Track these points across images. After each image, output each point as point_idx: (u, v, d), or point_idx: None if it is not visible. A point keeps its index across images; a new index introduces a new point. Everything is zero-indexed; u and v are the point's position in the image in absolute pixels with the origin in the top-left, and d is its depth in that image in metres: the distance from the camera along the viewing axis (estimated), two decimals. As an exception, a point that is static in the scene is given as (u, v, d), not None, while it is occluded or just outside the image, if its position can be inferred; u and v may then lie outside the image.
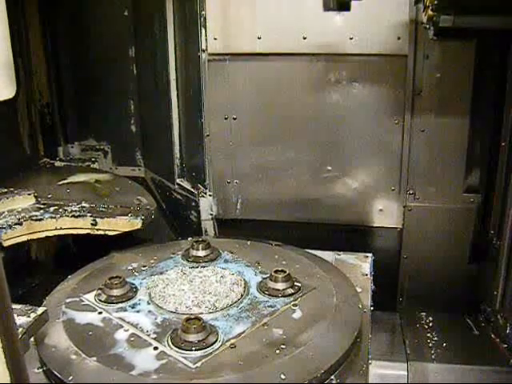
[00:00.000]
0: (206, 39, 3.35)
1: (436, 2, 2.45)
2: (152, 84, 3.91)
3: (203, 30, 3.33)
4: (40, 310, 2.39)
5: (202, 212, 3.72)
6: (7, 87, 2.76)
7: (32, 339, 2.29)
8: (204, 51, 3.38)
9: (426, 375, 2.79)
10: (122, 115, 4.15)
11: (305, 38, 3.24)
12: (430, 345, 3.02)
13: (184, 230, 3.94)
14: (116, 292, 2.57)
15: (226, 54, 3.37)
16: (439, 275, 3.46)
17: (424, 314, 3.36)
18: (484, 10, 2.47)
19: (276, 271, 2.64)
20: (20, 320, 2.31)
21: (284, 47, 3.29)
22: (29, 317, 2.33)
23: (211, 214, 3.70)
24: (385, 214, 3.47)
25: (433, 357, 2.91)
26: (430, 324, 3.25)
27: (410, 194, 3.38)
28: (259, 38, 3.29)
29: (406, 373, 2.78)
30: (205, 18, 3.31)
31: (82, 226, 3.09)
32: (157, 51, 3.75)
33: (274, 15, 3.24)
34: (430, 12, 2.49)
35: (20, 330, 2.24)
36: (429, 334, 3.13)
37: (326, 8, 2.64)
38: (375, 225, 3.51)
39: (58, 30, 4.04)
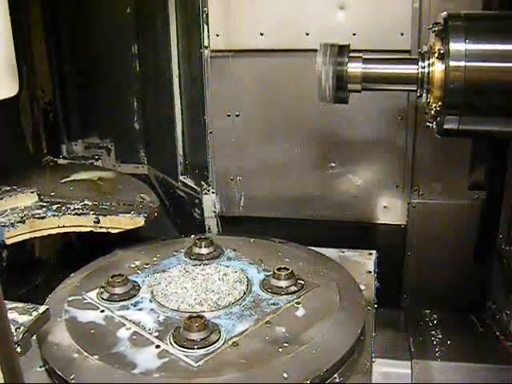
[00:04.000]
0: (209, 36, 3.33)
1: (440, 104, 2.26)
2: (155, 81, 3.90)
3: (205, 27, 3.32)
4: (42, 308, 2.39)
5: (206, 209, 3.71)
6: (10, 85, 2.76)
7: (34, 337, 2.29)
8: (206, 48, 3.36)
9: (430, 373, 2.77)
10: (125, 112, 4.13)
11: (307, 34, 3.21)
12: (435, 342, 3.01)
13: (187, 227, 3.93)
14: (118, 290, 2.58)
15: (229, 51, 3.35)
16: (444, 272, 3.43)
17: (428, 311, 3.34)
18: (495, 111, 2.28)
19: (279, 269, 2.64)
20: (22, 318, 2.31)
21: (287, 43, 3.26)
22: (30, 315, 2.33)
23: (214, 212, 3.69)
24: (389, 210, 3.44)
25: (437, 355, 2.89)
26: (435, 321, 3.24)
27: (414, 190, 3.36)
28: (262, 35, 3.26)
29: (409, 371, 2.77)
30: (207, 15, 3.29)
31: (84, 223, 3.09)
32: (159, 48, 3.74)
33: (276, 11, 3.22)
34: (432, 113, 2.32)
35: (21, 328, 2.24)
36: (433, 332, 3.11)
37: (321, 100, 2.55)
38: (379, 222, 3.48)
39: (60, 27, 4.03)
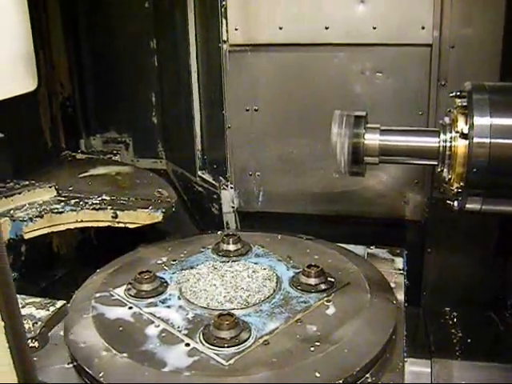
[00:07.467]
0: (227, 30, 3.32)
1: (462, 184, 2.14)
2: (173, 76, 3.89)
3: (224, 21, 3.30)
4: (59, 303, 2.40)
5: (224, 204, 3.70)
6: (29, 80, 2.77)
7: (62, 333, 2.29)
8: (225, 42, 3.35)
9: (449, 372, 2.73)
10: (143, 107, 4.14)
11: (327, 28, 3.19)
12: (455, 341, 2.97)
13: (205, 222, 3.93)
14: (146, 287, 2.53)
15: (247, 45, 3.33)
16: (464, 269, 3.39)
17: (448, 309, 3.30)
18: None
19: (309, 266, 2.59)
20: (39, 313, 2.32)
21: (306, 37, 3.24)
22: (48, 310, 2.34)
23: (233, 207, 3.68)
24: (409, 207, 3.41)
25: (457, 353, 2.86)
26: (455, 319, 3.20)
27: (434, 186, 3.31)
28: (280, 29, 3.24)
29: (429, 369, 2.73)
30: (225, 9, 3.27)
31: (102, 218, 3.09)
32: (178, 43, 3.72)
33: (295, 5, 3.19)
34: (454, 191, 2.20)
35: (39, 323, 2.26)
36: (453, 330, 3.08)
37: (336, 172, 2.45)
38: (399, 218, 3.44)
39: (78, 22, 4.03)
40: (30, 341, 2.19)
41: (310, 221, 3.53)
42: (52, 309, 2.36)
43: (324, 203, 3.51)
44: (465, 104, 2.16)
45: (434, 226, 3.39)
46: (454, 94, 2.24)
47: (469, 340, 2.98)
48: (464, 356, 2.84)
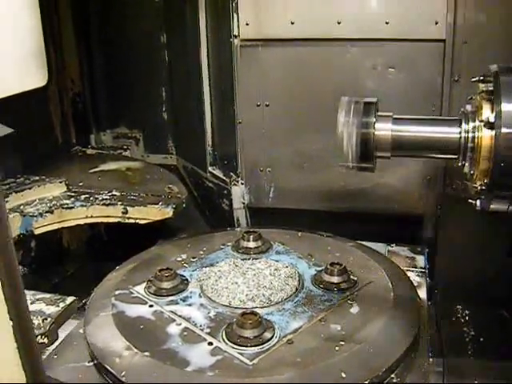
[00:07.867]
0: (238, 25, 3.29)
1: (486, 181, 1.89)
2: (184, 71, 3.87)
3: (235, 16, 3.28)
4: (69, 299, 2.40)
5: (234, 200, 3.68)
6: (39, 75, 2.75)
7: (81, 331, 2.27)
8: (236, 37, 3.32)
9: (462, 371, 2.71)
10: (153, 103, 4.13)
11: (339, 23, 3.15)
12: (467, 339, 2.94)
13: (216, 218, 3.91)
14: (166, 284, 2.49)
15: (259, 40, 3.31)
16: (476, 267, 3.35)
17: (460, 307, 3.27)
18: None
19: (331, 264, 2.55)
20: (49, 310, 2.32)
21: (318, 32, 3.21)
22: (57, 306, 2.34)
23: (243, 203, 3.66)
24: (420, 203, 3.37)
25: (469, 352, 2.82)
26: (467, 317, 3.17)
27: (446, 183, 3.28)
28: (292, 23, 3.21)
29: (441, 368, 2.71)
30: (236, 4, 3.25)
31: (112, 214, 3.10)
32: (188, 38, 3.71)
33: (307, -1, 3.17)
34: (477, 189, 1.95)
35: (48, 319, 2.25)
36: (465, 328, 3.05)
37: (344, 167, 2.19)
38: (410, 214, 3.41)
39: (89, 17, 4.03)
40: (39, 337, 2.18)
41: (321, 217, 3.50)
42: (62, 305, 2.35)
43: (335, 200, 3.48)
44: (490, 88, 1.90)
45: (445, 223, 3.36)
46: (476, 78, 1.99)
47: (481, 339, 2.94)
48: (476, 354, 2.80)
